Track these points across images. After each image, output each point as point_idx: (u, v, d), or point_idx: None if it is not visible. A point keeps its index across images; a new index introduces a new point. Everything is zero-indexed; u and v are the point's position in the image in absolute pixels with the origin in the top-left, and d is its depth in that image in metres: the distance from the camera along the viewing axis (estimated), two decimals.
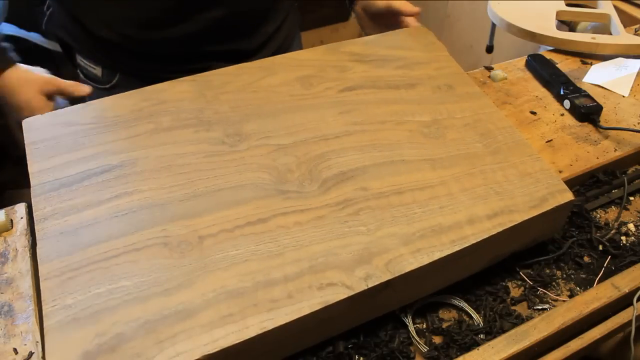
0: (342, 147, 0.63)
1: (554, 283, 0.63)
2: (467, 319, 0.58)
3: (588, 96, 0.83)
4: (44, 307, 0.47)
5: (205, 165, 0.60)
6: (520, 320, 0.58)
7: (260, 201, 0.57)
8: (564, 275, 0.64)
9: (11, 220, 0.63)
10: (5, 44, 0.85)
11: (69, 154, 0.60)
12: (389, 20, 0.90)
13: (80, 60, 0.91)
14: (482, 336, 0.56)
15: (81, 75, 0.93)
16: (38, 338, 0.52)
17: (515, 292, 0.62)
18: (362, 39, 0.80)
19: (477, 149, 0.64)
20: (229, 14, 0.83)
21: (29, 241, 0.61)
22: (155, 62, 0.85)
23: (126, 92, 0.68)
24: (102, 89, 0.90)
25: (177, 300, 0.48)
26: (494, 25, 1.15)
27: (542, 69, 0.89)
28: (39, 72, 0.84)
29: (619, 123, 0.81)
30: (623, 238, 0.68)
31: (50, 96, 0.83)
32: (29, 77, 0.82)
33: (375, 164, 0.61)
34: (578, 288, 0.62)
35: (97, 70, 0.89)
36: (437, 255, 0.53)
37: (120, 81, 0.89)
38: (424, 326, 0.58)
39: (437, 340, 0.56)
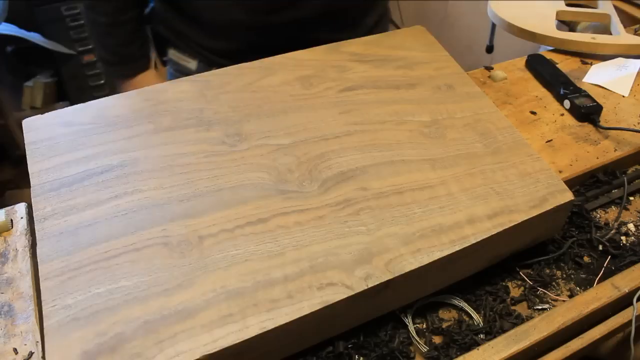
0: (342, 147, 0.63)
1: (554, 283, 0.63)
2: (467, 319, 0.58)
3: (588, 96, 0.83)
4: (44, 307, 0.47)
5: (206, 165, 0.60)
6: (520, 320, 0.58)
7: (260, 201, 0.57)
8: (564, 275, 0.64)
9: (11, 220, 0.63)
10: (148, 52, 0.96)
11: (69, 154, 0.60)
12: None
13: (174, 55, 0.95)
14: (482, 336, 0.56)
15: (171, 70, 0.98)
16: (38, 338, 0.52)
17: (515, 292, 0.62)
18: (362, 39, 0.80)
19: (477, 149, 0.64)
20: (338, 2, 0.85)
21: (29, 241, 0.61)
22: (260, 51, 0.84)
23: (126, 92, 0.68)
24: None
25: (177, 300, 0.48)
26: (494, 25, 1.15)
27: (542, 69, 0.89)
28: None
29: (619, 123, 0.81)
30: (623, 238, 0.68)
31: None
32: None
33: (375, 164, 0.61)
34: (578, 288, 0.62)
35: (192, 64, 0.93)
36: (437, 255, 0.53)
37: None
38: (424, 326, 0.58)
39: (437, 340, 0.56)
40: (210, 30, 0.89)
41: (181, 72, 0.95)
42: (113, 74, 0.95)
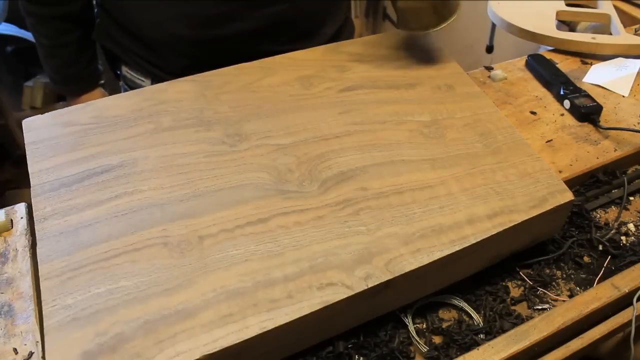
0: (342, 147, 0.63)
1: (554, 283, 0.63)
2: (467, 319, 0.58)
3: (588, 96, 0.83)
4: (44, 307, 0.47)
5: (205, 165, 0.60)
6: (520, 320, 0.58)
7: (260, 201, 0.57)
8: (564, 275, 0.64)
9: (11, 220, 0.63)
10: (99, 67, 0.95)
11: (69, 154, 0.60)
12: None
13: (127, 72, 0.92)
14: (482, 336, 0.56)
15: (125, 87, 0.94)
16: (38, 338, 0.52)
17: (515, 292, 0.62)
18: (362, 39, 0.80)
19: (477, 149, 0.64)
20: (288, 11, 0.81)
21: (29, 241, 0.61)
22: (209, 67, 0.80)
23: (126, 92, 0.68)
24: None
25: (177, 300, 0.48)
26: (494, 25, 1.15)
27: (542, 69, 0.89)
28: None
29: (619, 123, 0.81)
30: (623, 238, 0.68)
31: None
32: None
33: (375, 164, 0.61)
34: (578, 288, 0.62)
35: (146, 83, 0.90)
36: (437, 255, 0.53)
37: None
38: (424, 326, 0.58)
39: (437, 340, 0.56)
40: (155, 48, 0.85)
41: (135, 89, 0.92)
42: (59, 91, 0.94)
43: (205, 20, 0.80)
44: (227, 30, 0.81)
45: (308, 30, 0.87)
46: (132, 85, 0.92)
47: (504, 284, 0.62)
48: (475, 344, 0.55)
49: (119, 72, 0.96)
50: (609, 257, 0.65)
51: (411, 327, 0.57)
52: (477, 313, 0.59)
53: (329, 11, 0.90)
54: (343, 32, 0.95)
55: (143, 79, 0.90)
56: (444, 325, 0.58)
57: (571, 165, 0.74)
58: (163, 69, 0.87)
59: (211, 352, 0.45)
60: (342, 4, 0.93)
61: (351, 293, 0.50)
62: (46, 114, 0.65)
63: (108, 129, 0.63)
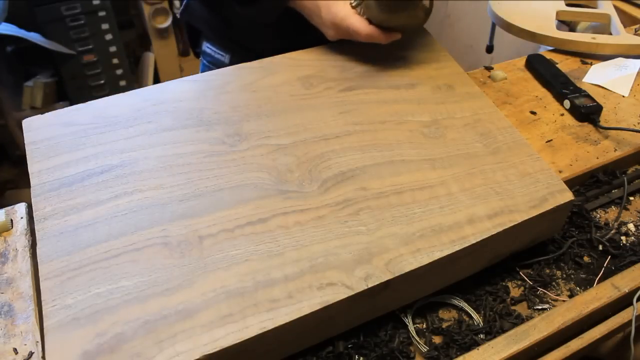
0: (342, 147, 0.63)
1: (554, 283, 0.63)
2: (467, 319, 0.58)
3: (588, 96, 0.83)
4: (44, 307, 0.47)
5: (206, 165, 0.60)
6: (520, 320, 0.58)
7: (260, 201, 0.57)
8: (564, 275, 0.64)
9: (11, 220, 0.63)
10: None
11: (69, 154, 0.60)
12: None
13: (207, 47, 0.96)
14: (482, 336, 0.56)
15: (204, 62, 0.98)
16: (38, 338, 0.52)
17: (515, 292, 0.62)
18: None
19: (477, 149, 0.64)
20: None
21: (29, 241, 0.61)
22: (287, 44, 0.79)
23: (126, 92, 0.68)
24: None
25: (177, 300, 0.48)
26: (494, 25, 1.15)
27: (542, 69, 0.89)
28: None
29: (619, 123, 0.81)
30: (623, 238, 0.68)
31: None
32: None
33: (375, 164, 0.61)
34: (578, 288, 0.62)
35: (225, 58, 0.94)
36: (437, 255, 0.53)
37: None
38: (424, 326, 0.58)
39: (437, 340, 0.56)
40: (242, 32, 0.89)
41: (215, 64, 0.96)
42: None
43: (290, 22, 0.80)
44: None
45: None
46: (211, 60, 0.96)
47: (504, 284, 0.62)
48: (475, 344, 0.55)
49: (198, 50, 0.99)
50: (609, 257, 0.65)
51: (411, 327, 0.57)
52: (477, 313, 0.59)
53: None
54: None
55: (223, 53, 0.94)
56: (444, 325, 0.58)
57: (571, 165, 0.74)
58: (246, 49, 0.89)
59: (211, 352, 0.45)
60: None
61: (351, 293, 0.50)
62: (46, 114, 0.65)
63: (108, 129, 0.63)
